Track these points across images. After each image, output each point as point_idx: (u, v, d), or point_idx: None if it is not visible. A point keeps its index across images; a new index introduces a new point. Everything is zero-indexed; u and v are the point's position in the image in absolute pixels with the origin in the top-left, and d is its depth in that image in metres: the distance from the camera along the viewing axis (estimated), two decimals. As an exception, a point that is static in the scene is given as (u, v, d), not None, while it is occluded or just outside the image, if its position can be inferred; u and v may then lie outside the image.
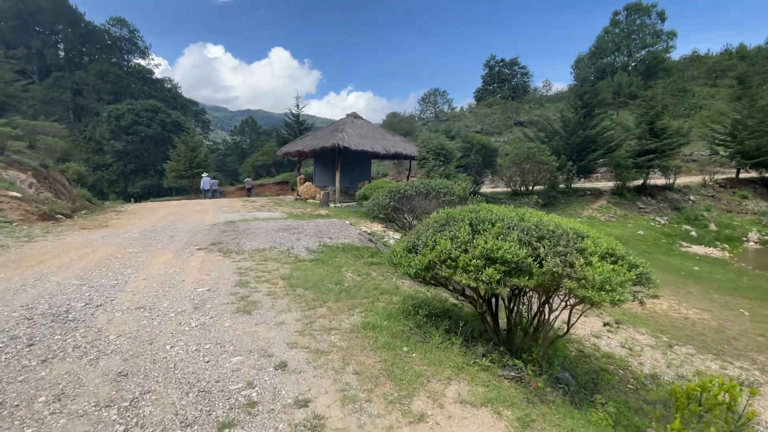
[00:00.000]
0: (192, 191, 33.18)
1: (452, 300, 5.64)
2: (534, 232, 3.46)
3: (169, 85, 78.31)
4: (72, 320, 4.10)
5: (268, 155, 41.11)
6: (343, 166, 18.76)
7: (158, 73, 79.34)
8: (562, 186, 24.84)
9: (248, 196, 29.35)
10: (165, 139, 44.30)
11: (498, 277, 3.17)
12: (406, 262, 3.93)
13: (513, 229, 3.57)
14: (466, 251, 3.46)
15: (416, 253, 3.92)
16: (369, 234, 10.71)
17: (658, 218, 23.23)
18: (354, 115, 20.13)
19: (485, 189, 24.57)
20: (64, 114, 64.17)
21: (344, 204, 16.94)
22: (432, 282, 4.00)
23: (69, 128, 61.58)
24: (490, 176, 24.16)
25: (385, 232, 12.37)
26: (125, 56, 78.14)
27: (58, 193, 17.45)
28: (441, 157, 19.08)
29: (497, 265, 3.21)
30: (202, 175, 28.07)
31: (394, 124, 42.46)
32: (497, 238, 3.40)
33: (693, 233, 21.22)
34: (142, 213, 14.62)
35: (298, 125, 32.86)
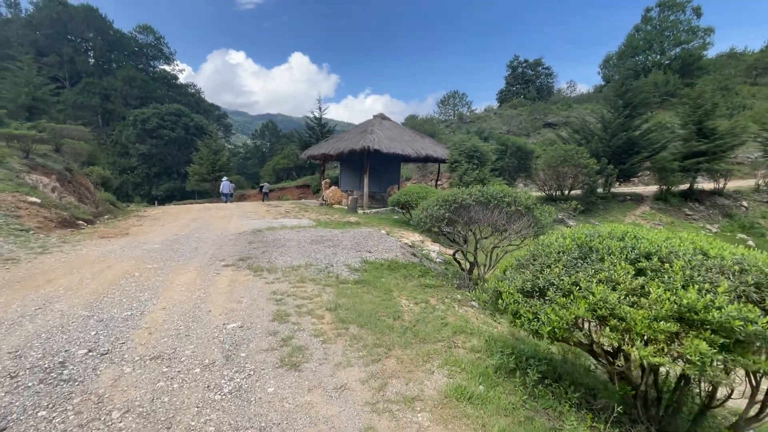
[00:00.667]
0: (214, 194, 32.72)
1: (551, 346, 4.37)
2: (744, 276, 2.21)
3: (192, 90, 79.31)
4: (67, 380, 3.04)
5: (289, 158, 40.49)
6: (371, 169, 17.67)
7: (182, 79, 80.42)
8: (600, 191, 23.11)
9: (264, 200, 28.64)
10: (188, 142, 44.30)
11: (712, 353, 1.93)
12: (529, 313, 2.72)
13: (703, 270, 2.32)
14: (635, 305, 2.25)
15: (544, 299, 2.71)
16: (410, 246, 9.52)
17: (708, 226, 21.24)
18: (381, 116, 19.04)
19: (518, 193, 23.09)
20: (93, 118, 65.55)
21: (373, 210, 15.82)
22: (571, 343, 2.74)
23: (97, 132, 62.78)
24: (522, 180, 22.66)
25: (422, 242, 11.16)
26: (151, 62, 79.53)
27: (81, 197, 16.91)
28: (474, 159, 17.76)
29: (707, 332, 1.97)
30: (222, 179, 27.48)
31: (415, 126, 41.23)
32: (690, 286, 2.16)
33: (750, 242, 19.23)
34: (165, 218, 13.82)
35: (320, 128, 32.03)
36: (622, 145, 21.92)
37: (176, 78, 77.04)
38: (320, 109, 31.67)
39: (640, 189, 26.94)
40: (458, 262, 7.63)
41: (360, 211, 15.33)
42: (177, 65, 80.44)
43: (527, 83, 56.24)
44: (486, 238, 7.32)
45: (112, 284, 5.63)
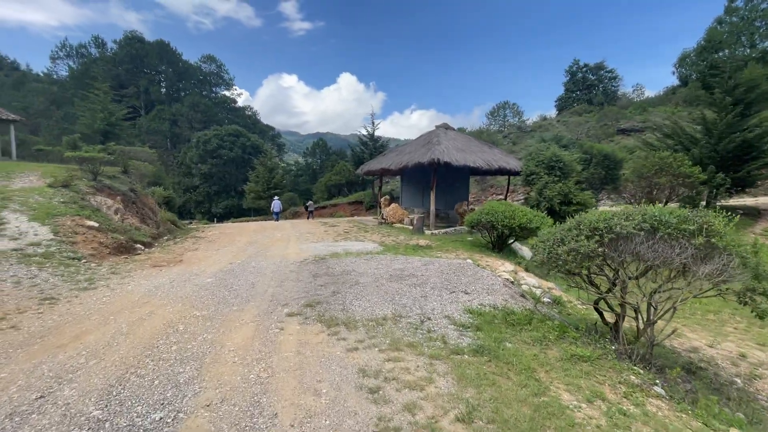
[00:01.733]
0: (269, 212, 32.60)
1: None
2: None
3: (249, 113, 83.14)
4: None
5: (341, 174, 39.79)
6: (437, 184, 15.80)
7: (240, 102, 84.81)
8: (702, 203, 19.28)
9: (309, 218, 27.86)
10: (245, 161, 45.44)
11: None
12: None
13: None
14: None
15: None
16: (512, 282, 7.40)
17: None
18: (446, 126, 17.20)
19: (603, 207, 19.91)
20: (163, 142, 70.53)
21: (441, 230, 13.84)
22: None
23: (165, 154, 67.33)
24: (607, 193, 19.50)
25: (515, 273, 8.94)
26: (213, 89, 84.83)
27: (144, 217, 16.62)
28: (556, 171, 15.24)
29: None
30: (274, 198, 27.16)
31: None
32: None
33: None
34: (221, 241, 12.85)
35: (373, 143, 30.89)
36: (734, 150, 18.13)
37: (235, 102, 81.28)
38: (373, 123, 30.66)
39: (750, 201, 22.46)
40: (600, 314, 5.41)
41: (427, 232, 13.43)
42: (236, 90, 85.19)
43: (589, 88, 51.81)
44: (637, 277, 5.08)
45: (149, 346, 4.16)
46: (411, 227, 14.85)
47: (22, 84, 74.90)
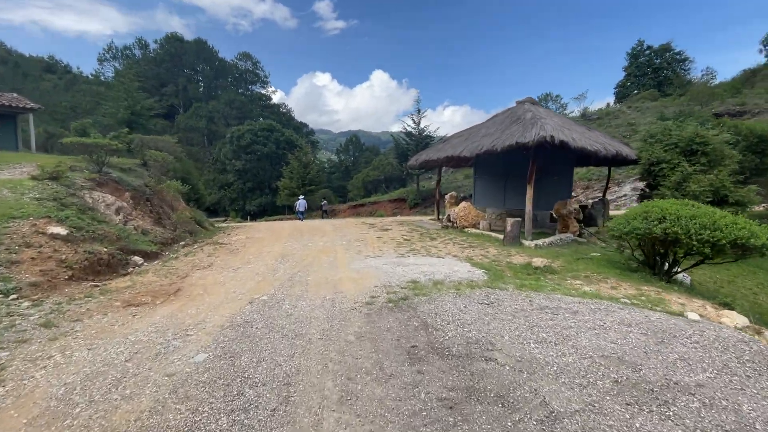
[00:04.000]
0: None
1: None
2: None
3: (283, 110, 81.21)
4: None
5: (380, 170, 36.10)
6: (523, 177, 11.62)
7: (275, 100, 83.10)
8: None
9: (323, 217, 24.67)
10: (279, 157, 42.74)
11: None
12: None
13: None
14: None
15: None
16: None
17: None
18: (530, 101, 12.94)
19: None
20: (200, 139, 69.81)
21: (543, 240, 9.66)
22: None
23: (202, 152, 66.42)
24: (761, 185, 14.33)
25: (753, 331, 4.69)
26: (249, 87, 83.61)
27: (161, 217, 13.50)
28: (699, 157, 10.64)
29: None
30: (299, 197, 24.68)
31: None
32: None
33: None
34: (246, 251, 9.37)
35: (419, 133, 26.86)
36: None
37: (270, 98, 79.56)
38: (419, 112, 26.61)
39: None
40: None
41: (527, 242, 9.30)
42: (270, 87, 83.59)
43: (656, 72, 45.13)
44: None
45: None
46: (492, 233, 10.74)
47: (73, 86, 76.67)
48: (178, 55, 75.60)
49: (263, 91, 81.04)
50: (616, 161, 11.92)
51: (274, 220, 29.10)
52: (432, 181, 34.01)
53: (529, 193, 9.85)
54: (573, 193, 15.98)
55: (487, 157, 11.83)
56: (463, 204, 12.28)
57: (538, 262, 7.36)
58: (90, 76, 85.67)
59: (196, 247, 10.96)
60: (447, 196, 13.11)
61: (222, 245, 10.74)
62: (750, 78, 44.96)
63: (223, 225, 21.84)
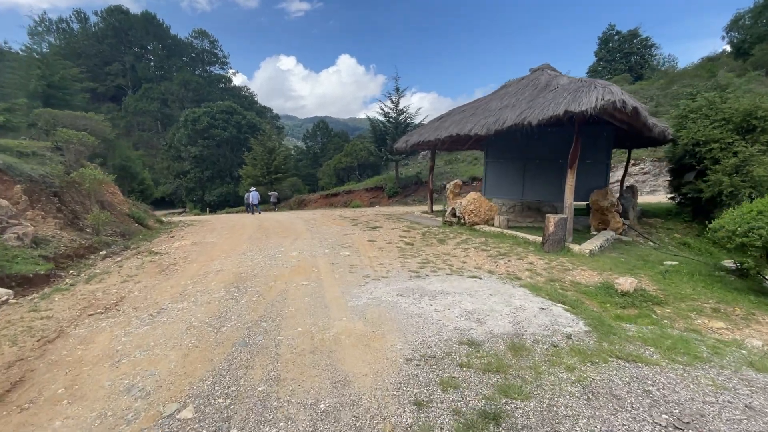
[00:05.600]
0: (269, 202, 25.95)
1: None
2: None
3: (246, 93, 74.92)
4: None
5: (353, 156, 32.96)
6: (549, 161, 9.26)
7: (236, 83, 76.47)
8: None
9: (252, 213, 22.14)
10: (241, 142, 38.31)
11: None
12: None
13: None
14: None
15: None
16: None
17: None
18: (549, 68, 10.51)
19: None
20: (153, 124, 62.61)
21: (596, 242, 7.29)
22: None
23: (156, 137, 59.67)
24: None
25: None
26: (206, 68, 76.29)
27: (76, 217, 9.99)
28: (758, 134, 8.71)
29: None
30: (250, 189, 22.37)
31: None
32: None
33: None
34: (185, 272, 6.32)
35: (397, 114, 23.97)
36: None
37: (230, 80, 73.03)
38: (398, 90, 23.62)
39: None
40: None
41: (575, 247, 6.87)
42: (230, 68, 76.78)
43: (627, 57, 44.80)
44: None
45: None
46: (515, 233, 8.29)
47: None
48: (123, 30, 66.93)
49: (222, 73, 74.19)
50: (652, 141, 9.80)
51: (237, 212, 25.40)
52: (409, 168, 31.40)
53: (571, 180, 7.42)
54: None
55: (501, 137, 9.29)
56: (473, 195, 9.73)
57: (624, 283, 4.92)
58: (20, 52, 74.59)
59: (119, 259, 7.76)
60: (450, 185, 10.47)
61: (156, 256, 7.56)
62: (706, 63, 45.60)
63: (176, 220, 18.09)
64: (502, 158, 10.51)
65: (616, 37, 47.34)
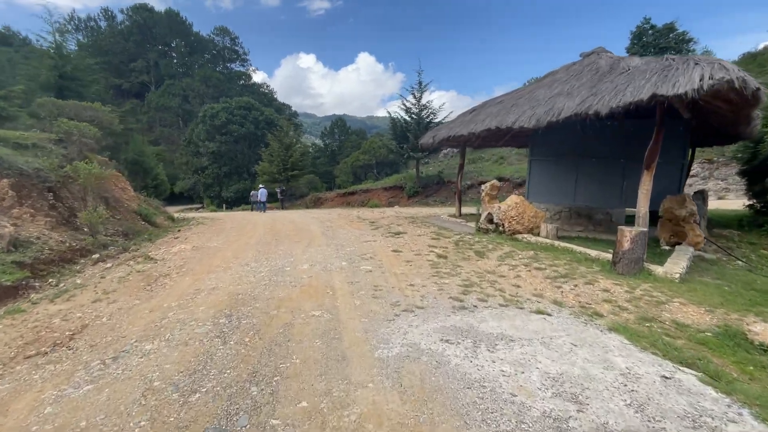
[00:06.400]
0: (285, 199, 24.98)
1: None
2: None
3: (265, 90, 74.74)
4: None
5: (370, 153, 31.72)
6: (607, 159, 7.75)
7: (257, 81, 76.40)
8: None
9: (281, 207, 21.54)
10: (258, 138, 37.64)
11: None
12: None
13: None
14: None
15: None
16: None
17: None
18: (604, 51, 8.96)
19: None
20: (174, 120, 63.04)
21: (681, 263, 5.76)
22: None
23: (176, 133, 60.01)
24: None
25: None
26: (227, 65, 76.49)
27: (73, 214, 9.12)
28: None
29: None
30: (259, 186, 22.45)
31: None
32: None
33: None
34: (173, 289, 5.18)
35: (420, 110, 22.53)
36: None
37: (250, 77, 72.92)
38: (420, 84, 22.18)
39: None
40: None
41: (658, 269, 5.37)
42: (250, 65, 76.80)
43: (662, 52, 41.86)
44: None
45: None
46: (569, 245, 6.82)
47: (29, 59, 67.86)
48: (147, 27, 67.69)
49: (243, 70, 74.20)
50: (722, 139, 8.12)
51: (252, 210, 24.54)
52: (430, 167, 29.91)
53: (648, 184, 5.92)
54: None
55: (550, 132, 7.81)
56: (515, 199, 8.29)
57: (763, 332, 3.44)
58: (50, 49, 76.63)
59: (109, 265, 6.78)
60: (486, 187, 9.03)
61: (149, 264, 6.49)
62: (760, 58, 42.13)
63: (190, 216, 17.29)
64: (550, 156, 8.97)
65: (650, 31, 44.32)
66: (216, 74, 64.50)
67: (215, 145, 37.17)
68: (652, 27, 44.73)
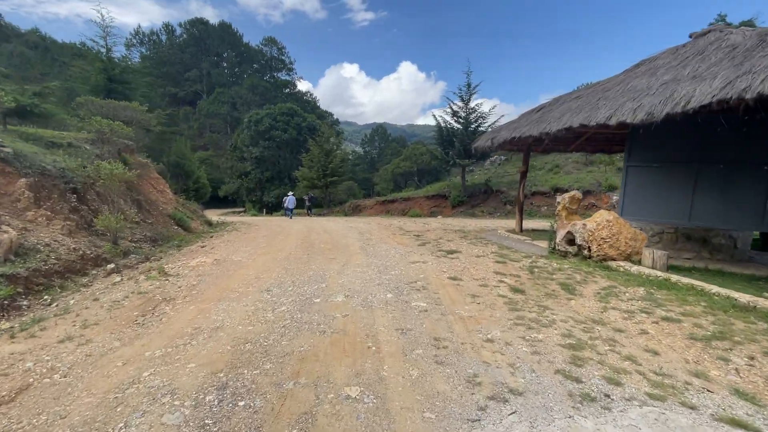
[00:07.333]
0: (325, 204, 24.16)
1: None
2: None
3: (308, 98, 76.24)
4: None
5: (412, 160, 30.30)
6: (741, 166, 5.73)
7: (301, 89, 78.26)
8: None
9: (289, 216, 20.58)
10: (300, 144, 37.65)
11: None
12: None
13: None
14: None
15: None
16: None
17: None
18: (727, 26, 7.00)
19: None
20: (222, 126, 65.82)
21: None
22: None
23: (224, 139, 62.43)
24: None
25: None
26: (274, 74, 79.08)
27: (88, 219, 8.48)
28: None
29: None
30: (288, 193, 22.57)
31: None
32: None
33: None
34: (175, 321, 4.00)
35: (468, 114, 20.81)
36: None
37: (294, 86, 74.74)
38: (469, 86, 20.48)
39: None
40: None
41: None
42: (296, 74, 78.82)
43: (747, 50, 36.79)
44: None
45: None
46: (689, 282, 4.91)
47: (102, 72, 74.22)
48: (202, 39, 71.76)
49: (288, 78, 76.31)
50: None
51: (278, 218, 23.97)
52: (475, 175, 27.89)
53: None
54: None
55: (658, 131, 5.90)
56: (605, 215, 6.43)
57: None
58: (118, 61, 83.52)
59: (118, 279, 5.84)
60: (565, 199, 7.20)
61: (158, 282, 5.47)
62: None
63: (229, 220, 16.83)
64: (656, 162, 6.96)
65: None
66: (263, 83, 66.66)
67: (258, 150, 37.65)
68: (729, 26, 39.72)
